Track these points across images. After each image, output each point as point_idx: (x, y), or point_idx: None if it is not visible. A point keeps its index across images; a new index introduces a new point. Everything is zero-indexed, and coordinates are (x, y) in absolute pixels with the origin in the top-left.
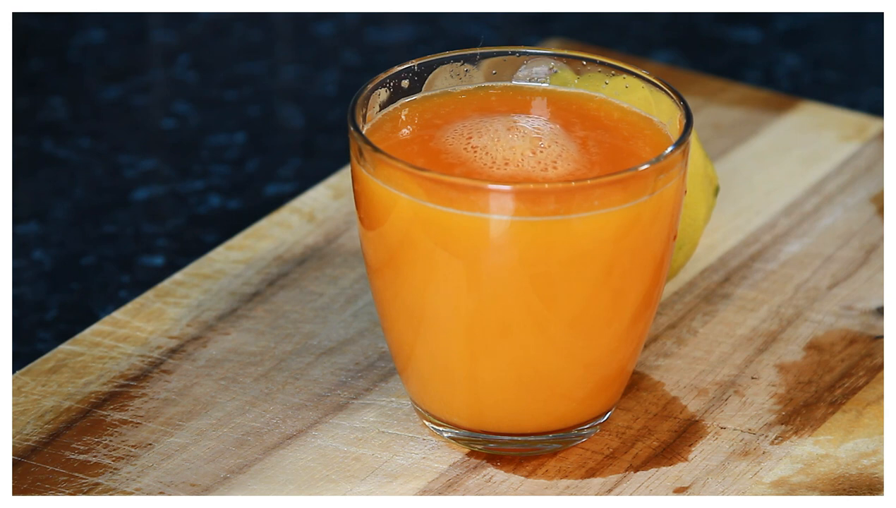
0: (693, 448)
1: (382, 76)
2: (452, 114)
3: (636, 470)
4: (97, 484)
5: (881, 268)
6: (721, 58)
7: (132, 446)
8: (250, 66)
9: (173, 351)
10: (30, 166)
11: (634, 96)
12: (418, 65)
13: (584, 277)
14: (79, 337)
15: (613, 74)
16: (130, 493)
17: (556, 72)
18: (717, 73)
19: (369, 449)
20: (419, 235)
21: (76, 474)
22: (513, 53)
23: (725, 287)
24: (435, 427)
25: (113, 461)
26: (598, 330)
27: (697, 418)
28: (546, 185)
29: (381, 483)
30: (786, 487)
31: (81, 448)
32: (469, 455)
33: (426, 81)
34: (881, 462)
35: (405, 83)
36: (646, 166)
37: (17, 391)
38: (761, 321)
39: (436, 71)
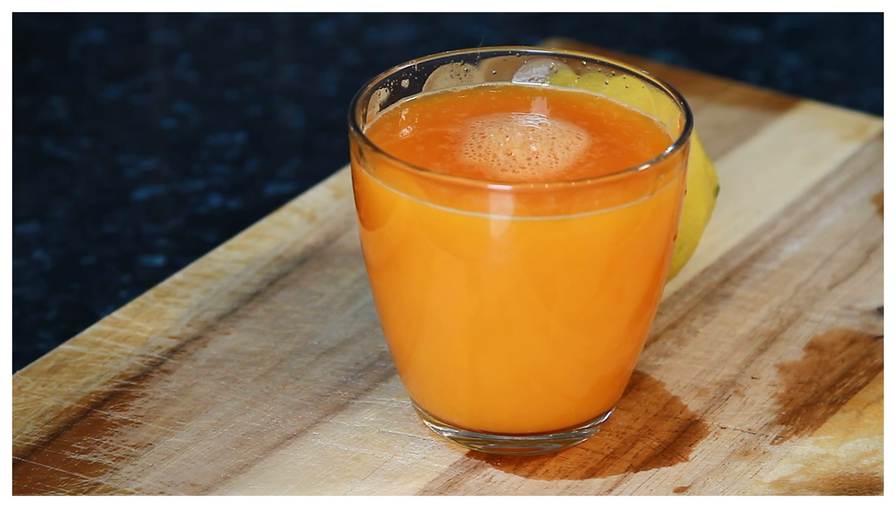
0: (693, 448)
1: (382, 76)
2: (453, 113)
3: (636, 470)
4: (97, 484)
5: (881, 268)
6: (721, 58)
7: (132, 446)
8: (250, 66)
9: (173, 351)
10: (30, 166)
11: (635, 96)
12: (418, 65)
13: (585, 277)
14: (79, 337)
15: (613, 74)
16: (131, 493)
17: (556, 72)
18: (718, 73)
19: (369, 449)
20: (419, 235)
21: (76, 474)
22: (513, 53)
23: (726, 287)
24: (435, 427)
25: (113, 461)
26: (599, 330)
27: (698, 418)
28: (546, 185)
29: (381, 483)
30: (786, 487)
31: (81, 448)
32: (469, 455)
33: (426, 81)
34: (881, 462)
35: (405, 83)
36: (646, 166)
37: (17, 391)
38: (761, 321)
39: (436, 71)
